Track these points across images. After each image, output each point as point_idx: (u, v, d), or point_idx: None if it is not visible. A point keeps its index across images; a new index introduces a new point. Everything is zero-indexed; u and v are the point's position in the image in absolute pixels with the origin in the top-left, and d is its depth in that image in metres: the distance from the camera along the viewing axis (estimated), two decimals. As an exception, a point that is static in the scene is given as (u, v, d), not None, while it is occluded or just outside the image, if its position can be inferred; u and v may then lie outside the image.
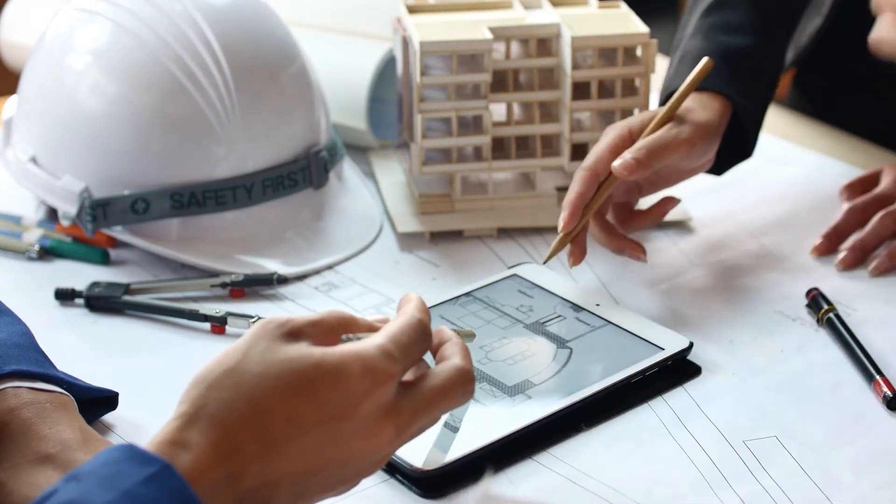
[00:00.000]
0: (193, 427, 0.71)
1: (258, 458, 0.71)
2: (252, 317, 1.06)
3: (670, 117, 1.11)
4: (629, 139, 1.10)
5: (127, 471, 0.68)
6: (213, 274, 1.14)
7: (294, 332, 0.75)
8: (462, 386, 0.79)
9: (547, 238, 1.21)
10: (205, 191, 1.15)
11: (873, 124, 1.40)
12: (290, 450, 0.72)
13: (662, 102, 1.20)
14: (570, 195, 1.07)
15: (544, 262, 1.10)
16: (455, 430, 0.91)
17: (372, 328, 0.80)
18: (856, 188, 1.24)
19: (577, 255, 1.08)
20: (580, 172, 1.08)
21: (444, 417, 0.92)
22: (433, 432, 0.92)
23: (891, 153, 1.38)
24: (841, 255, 1.17)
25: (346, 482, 0.76)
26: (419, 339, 0.78)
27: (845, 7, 1.39)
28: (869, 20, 1.39)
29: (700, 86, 1.13)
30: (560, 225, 1.07)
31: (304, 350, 0.74)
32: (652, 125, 1.10)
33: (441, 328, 0.83)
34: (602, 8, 1.26)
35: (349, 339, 0.78)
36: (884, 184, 1.23)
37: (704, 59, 1.12)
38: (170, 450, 0.70)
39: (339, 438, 0.73)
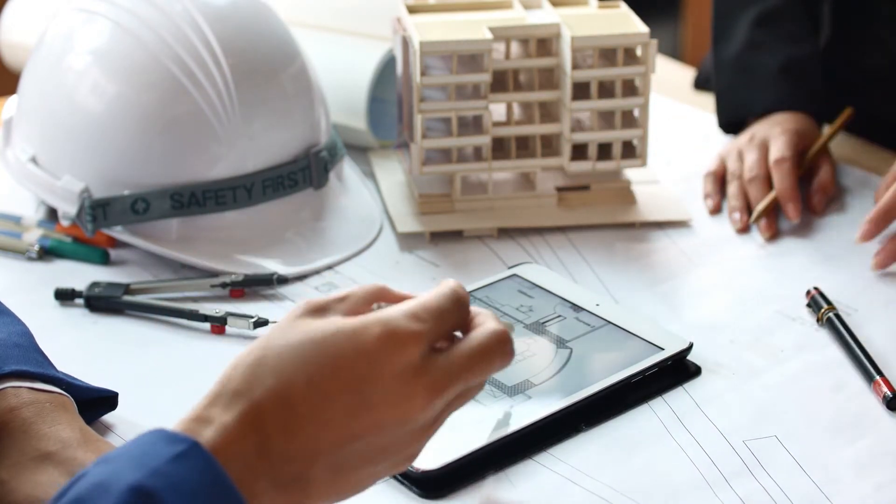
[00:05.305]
0: (217, 403, 0.71)
1: (283, 428, 0.71)
2: (252, 317, 1.06)
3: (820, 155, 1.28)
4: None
5: (155, 450, 0.68)
6: (213, 274, 1.14)
7: (319, 308, 0.75)
8: (500, 346, 0.76)
9: (547, 238, 1.21)
10: (205, 191, 1.15)
11: (873, 126, 1.40)
12: (316, 418, 0.71)
13: (724, 119, 1.37)
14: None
15: (752, 222, 1.22)
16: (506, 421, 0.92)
17: (404, 297, 0.78)
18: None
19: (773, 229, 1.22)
20: (787, 164, 1.24)
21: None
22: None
23: (891, 153, 1.38)
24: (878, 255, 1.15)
25: (388, 454, 0.74)
26: (451, 307, 0.76)
27: (845, 18, 1.39)
28: (868, 31, 1.39)
29: (784, 105, 1.31)
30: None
31: (326, 321, 0.73)
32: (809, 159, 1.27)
33: (478, 309, 0.80)
34: (602, 8, 1.26)
35: (380, 307, 0.76)
36: None
37: (848, 111, 1.31)
38: (194, 426, 0.70)
39: (366, 403, 0.71)
